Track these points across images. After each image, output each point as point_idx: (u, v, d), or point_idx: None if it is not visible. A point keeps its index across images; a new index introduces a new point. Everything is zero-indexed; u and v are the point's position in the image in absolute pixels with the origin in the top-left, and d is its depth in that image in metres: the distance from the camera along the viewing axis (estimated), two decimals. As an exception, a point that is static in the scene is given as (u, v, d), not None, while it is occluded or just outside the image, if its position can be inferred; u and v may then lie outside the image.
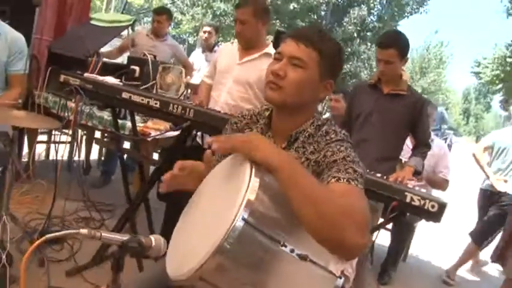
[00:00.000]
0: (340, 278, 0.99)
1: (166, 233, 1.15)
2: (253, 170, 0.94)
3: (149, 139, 2.62)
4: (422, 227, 3.74)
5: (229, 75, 2.60)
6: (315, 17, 15.79)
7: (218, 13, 15.76)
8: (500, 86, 23.08)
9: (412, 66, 31.70)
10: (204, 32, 4.89)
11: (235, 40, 2.69)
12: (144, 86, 2.92)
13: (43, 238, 0.92)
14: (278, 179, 0.94)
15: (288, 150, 1.23)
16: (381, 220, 2.43)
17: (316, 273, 0.97)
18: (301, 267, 0.95)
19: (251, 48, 2.59)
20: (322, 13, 15.93)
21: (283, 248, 0.92)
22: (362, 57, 15.26)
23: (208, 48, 4.90)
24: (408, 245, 3.90)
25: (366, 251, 2.64)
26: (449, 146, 14.40)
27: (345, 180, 1.04)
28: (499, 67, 21.29)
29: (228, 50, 2.71)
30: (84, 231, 0.97)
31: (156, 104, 2.09)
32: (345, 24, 15.21)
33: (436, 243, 4.77)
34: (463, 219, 4.72)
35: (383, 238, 3.60)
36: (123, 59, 4.48)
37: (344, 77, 15.81)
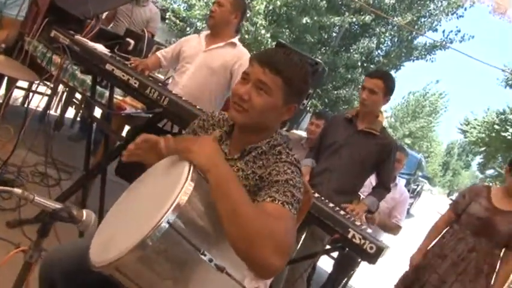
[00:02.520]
0: (252, 294, 1.04)
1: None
2: (191, 173, 0.97)
3: (123, 114, 2.63)
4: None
5: (193, 61, 2.73)
6: (326, 36, 15.82)
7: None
8: (482, 149, 23.56)
9: (406, 108, 32.05)
10: None
11: (203, 32, 2.87)
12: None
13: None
14: (210, 187, 0.97)
15: (239, 161, 1.27)
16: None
17: (231, 286, 1.01)
18: (217, 277, 0.97)
19: (217, 36, 2.75)
20: (333, 34, 15.98)
21: (202, 256, 0.94)
22: (359, 86, 15.40)
23: None
24: (350, 276, 3.98)
25: (303, 274, 2.68)
26: (419, 193, 14.70)
27: (279, 202, 1.06)
28: (485, 131, 21.68)
29: (195, 40, 2.85)
30: (17, 190, 0.99)
31: (135, 83, 2.10)
32: (352, 51, 15.26)
33: (379, 282, 4.86)
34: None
35: (327, 264, 3.65)
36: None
37: (337, 102, 15.91)
